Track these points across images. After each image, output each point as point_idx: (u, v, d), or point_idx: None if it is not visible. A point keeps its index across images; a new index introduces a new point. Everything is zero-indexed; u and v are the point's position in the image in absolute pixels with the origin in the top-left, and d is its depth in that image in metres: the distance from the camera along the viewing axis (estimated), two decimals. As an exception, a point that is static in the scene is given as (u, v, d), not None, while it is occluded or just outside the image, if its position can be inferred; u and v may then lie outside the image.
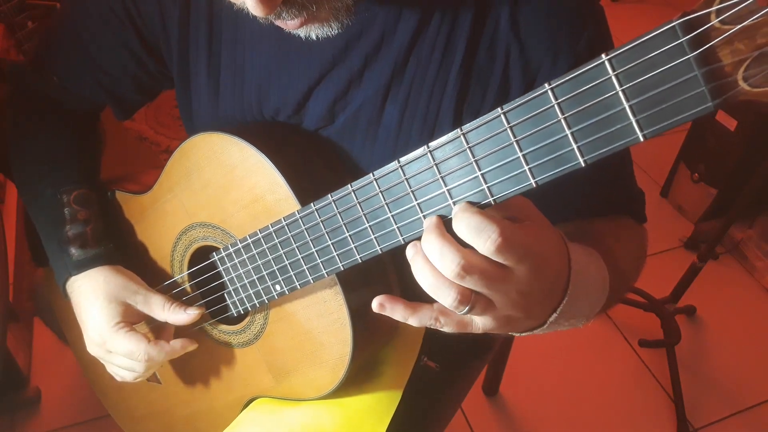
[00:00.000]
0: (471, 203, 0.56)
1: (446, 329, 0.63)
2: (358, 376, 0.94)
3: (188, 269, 0.98)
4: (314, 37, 0.73)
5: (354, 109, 0.83)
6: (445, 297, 0.57)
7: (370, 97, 0.82)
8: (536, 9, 0.75)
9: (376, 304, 0.63)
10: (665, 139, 2.88)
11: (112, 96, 1.02)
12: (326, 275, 0.74)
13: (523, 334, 0.68)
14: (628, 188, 0.94)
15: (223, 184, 0.87)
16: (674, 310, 2.16)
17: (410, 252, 0.60)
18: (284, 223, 0.75)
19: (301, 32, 0.73)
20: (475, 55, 0.78)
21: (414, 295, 0.76)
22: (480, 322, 0.62)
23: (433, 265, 0.57)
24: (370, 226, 0.66)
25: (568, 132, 0.48)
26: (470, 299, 0.57)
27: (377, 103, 0.82)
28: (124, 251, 1.01)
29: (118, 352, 0.93)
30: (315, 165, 0.86)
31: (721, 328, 2.21)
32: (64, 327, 1.23)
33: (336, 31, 0.73)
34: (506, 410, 1.98)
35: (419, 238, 0.59)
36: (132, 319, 0.95)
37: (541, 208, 0.69)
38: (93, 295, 0.94)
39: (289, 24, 0.70)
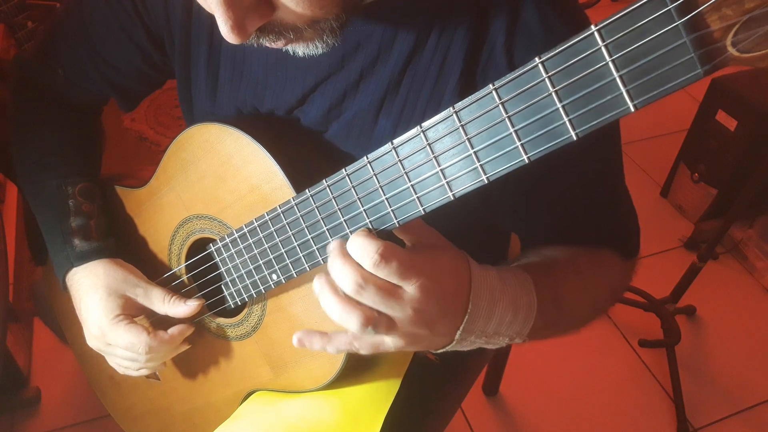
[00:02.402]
0: (368, 230, 0.66)
1: (362, 352, 0.71)
2: (356, 367, 0.94)
3: (186, 262, 0.98)
4: (300, 54, 0.73)
5: (348, 118, 0.83)
6: (352, 320, 0.64)
7: (364, 108, 0.82)
8: (531, 40, 0.74)
9: (294, 341, 0.73)
10: (665, 139, 2.89)
11: (116, 88, 1.03)
12: (322, 262, 0.74)
13: (439, 351, 0.73)
14: (619, 224, 0.92)
15: (220, 175, 0.87)
16: (674, 310, 2.15)
17: (317, 286, 0.67)
18: (280, 210, 0.75)
19: (288, 48, 0.73)
20: (472, 75, 0.78)
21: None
22: (390, 342, 0.68)
23: (338, 293, 0.65)
24: (365, 210, 0.66)
25: (559, 105, 0.48)
26: (373, 319, 0.64)
27: (371, 115, 0.82)
28: (125, 245, 1.01)
29: (119, 345, 0.94)
30: (310, 155, 0.86)
31: (721, 328, 2.21)
32: (64, 326, 1.23)
33: (321, 51, 0.72)
34: (506, 410, 1.97)
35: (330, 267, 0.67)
36: (132, 312, 0.96)
37: (529, 227, 0.84)
38: (93, 288, 0.94)
39: (271, 45, 0.70)
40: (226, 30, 0.63)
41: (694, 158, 2.49)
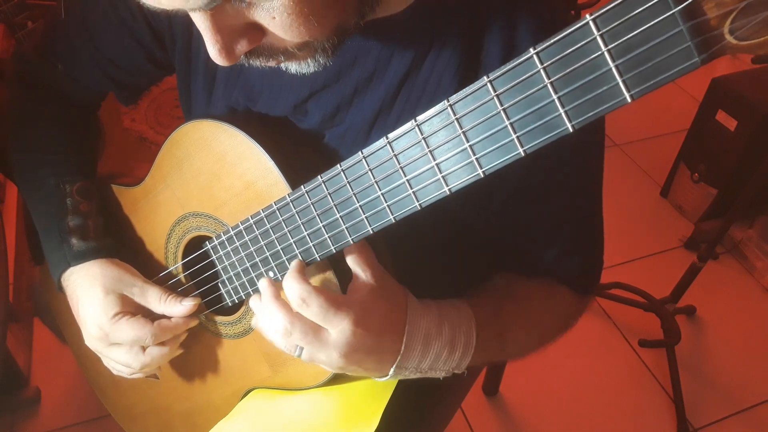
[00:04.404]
0: (302, 266, 0.74)
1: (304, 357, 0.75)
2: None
3: (182, 260, 0.98)
4: (293, 71, 0.72)
5: (341, 131, 0.83)
6: (280, 344, 0.75)
7: (357, 123, 0.81)
8: None
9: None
10: (665, 139, 2.89)
11: (117, 83, 1.02)
12: (318, 259, 0.74)
13: (380, 380, 0.79)
14: (585, 257, 0.93)
15: (215, 172, 0.86)
16: (674, 310, 2.15)
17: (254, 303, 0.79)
18: (275, 207, 0.74)
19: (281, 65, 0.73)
20: None
21: (406, 273, 0.77)
22: (327, 365, 0.75)
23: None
24: (360, 205, 0.65)
25: (554, 97, 0.48)
26: (296, 349, 0.73)
27: (364, 130, 0.82)
28: (121, 244, 1.01)
29: (125, 342, 0.93)
30: (305, 151, 0.86)
31: (721, 328, 2.21)
32: (62, 326, 1.23)
33: (312, 70, 0.71)
34: (506, 410, 1.97)
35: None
36: (129, 310, 0.95)
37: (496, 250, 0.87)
38: (90, 288, 0.94)
39: (263, 65, 0.70)
40: (214, 53, 0.63)
41: (694, 158, 2.49)
